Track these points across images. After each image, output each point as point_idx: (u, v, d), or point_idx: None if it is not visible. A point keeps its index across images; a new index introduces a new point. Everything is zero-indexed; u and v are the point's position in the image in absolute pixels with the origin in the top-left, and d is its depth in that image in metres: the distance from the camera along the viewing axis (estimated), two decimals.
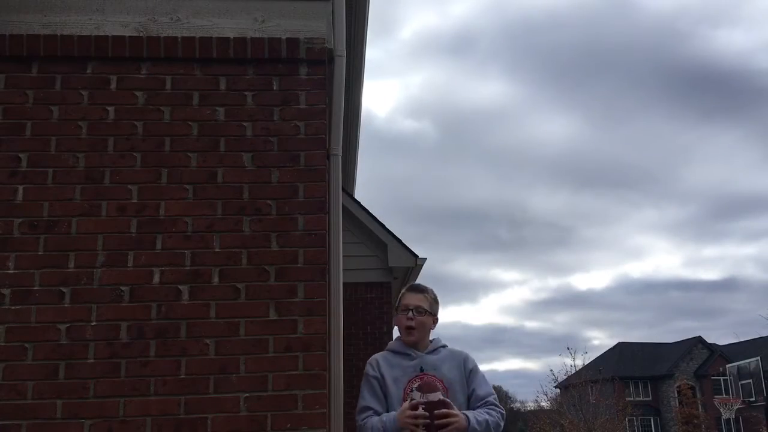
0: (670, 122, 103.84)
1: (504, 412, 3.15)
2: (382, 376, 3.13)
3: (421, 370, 3.12)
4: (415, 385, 3.05)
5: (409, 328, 3.20)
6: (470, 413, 3.02)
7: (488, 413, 3.06)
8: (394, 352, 3.24)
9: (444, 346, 3.30)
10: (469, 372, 3.21)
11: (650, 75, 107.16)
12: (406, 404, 2.96)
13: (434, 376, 3.11)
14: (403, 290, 3.36)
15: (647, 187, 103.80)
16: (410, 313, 3.21)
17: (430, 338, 3.31)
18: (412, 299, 3.26)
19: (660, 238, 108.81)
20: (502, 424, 3.09)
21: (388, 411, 3.06)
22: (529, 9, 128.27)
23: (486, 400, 3.13)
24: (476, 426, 2.97)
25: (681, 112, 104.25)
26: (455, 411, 2.95)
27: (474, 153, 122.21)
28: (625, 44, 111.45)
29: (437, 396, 2.97)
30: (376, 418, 3.02)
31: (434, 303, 3.32)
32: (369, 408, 3.10)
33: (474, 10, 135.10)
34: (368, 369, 3.19)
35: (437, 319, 3.31)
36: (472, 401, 3.14)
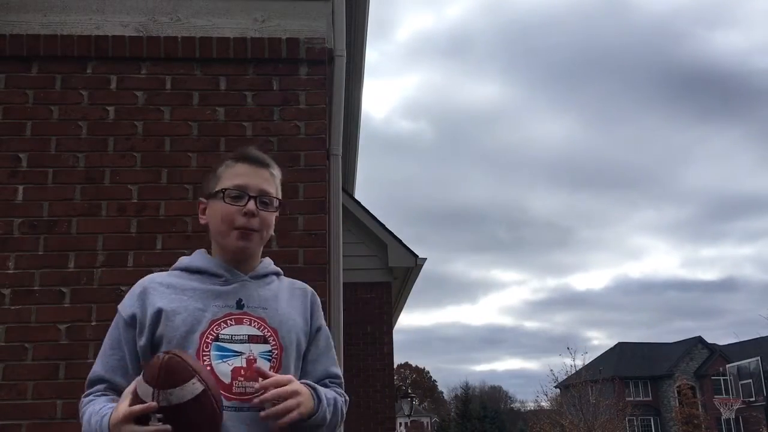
0: (667, 123, 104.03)
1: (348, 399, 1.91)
2: (154, 313, 1.70)
3: (239, 305, 1.73)
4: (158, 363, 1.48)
5: (248, 230, 1.78)
6: (316, 386, 1.73)
7: (336, 392, 1.83)
8: (191, 270, 1.83)
9: (278, 274, 1.93)
10: (317, 328, 1.87)
11: (647, 76, 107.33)
12: (125, 407, 1.51)
13: (261, 320, 1.72)
14: (228, 161, 1.84)
15: (645, 187, 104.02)
16: (251, 203, 1.77)
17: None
18: (254, 177, 1.81)
19: (658, 239, 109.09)
20: (344, 414, 1.85)
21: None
22: (525, 10, 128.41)
23: (338, 381, 1.89)
24: (326, 407, 1.72)
25: (678, 112, 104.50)
26: (290, 387, 1.61)
27: (472, 154, 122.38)
28: (622, 45, 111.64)
29: (194, 392, 1.47)
30: (95, 405, 1.64)
31: (280, 187, 1.93)
32: (102, 380, 1.70)
33: (469, 11, 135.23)
34: (123, 304, 1.78)
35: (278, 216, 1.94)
36: (312, 376, 1.80)
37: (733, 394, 34.72)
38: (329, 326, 3.57)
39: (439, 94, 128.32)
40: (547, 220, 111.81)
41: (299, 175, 3.53)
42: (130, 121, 3.54)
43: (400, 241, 9.67)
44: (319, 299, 1.94)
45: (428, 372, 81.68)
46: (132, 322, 1.71)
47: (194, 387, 1.47)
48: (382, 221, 9.71)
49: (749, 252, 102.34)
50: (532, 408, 48.62)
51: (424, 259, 9.74)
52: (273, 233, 1.93)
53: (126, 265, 3.34)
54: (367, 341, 9.46)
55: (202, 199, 1.84)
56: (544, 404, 39.89)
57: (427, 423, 68.75)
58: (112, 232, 3.38)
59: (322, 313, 1.93)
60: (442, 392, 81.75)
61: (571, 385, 33.08)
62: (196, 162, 3.51)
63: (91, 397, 1.68)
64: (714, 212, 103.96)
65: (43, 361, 3.19)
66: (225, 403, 1.57)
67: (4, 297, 3.25)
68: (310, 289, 1.94)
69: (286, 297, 1.84)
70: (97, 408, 1.62)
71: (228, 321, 1.70)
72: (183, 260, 1.88)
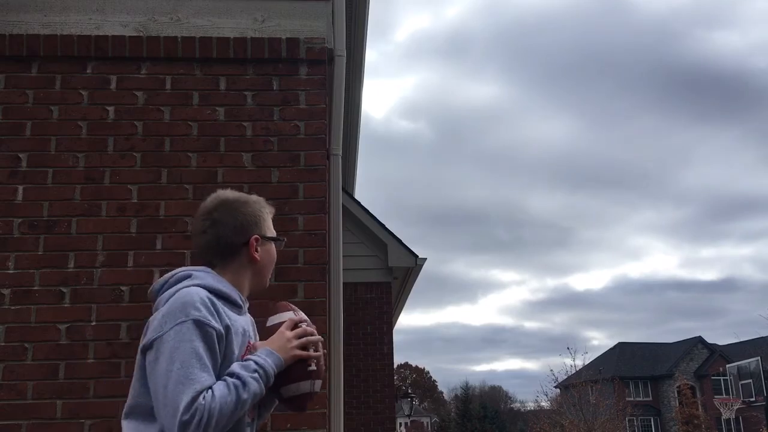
0: (666, 123, 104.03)
1: None
2: (227, 329, 1.78)
3: (248, 335, 1.92)
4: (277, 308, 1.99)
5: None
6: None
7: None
8: (219, 294, 1.84)
9: None
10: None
11: (646, 76, 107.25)
12: (286, 329, 1.88)
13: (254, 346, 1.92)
14: (267, 206, 2.05)
15: (645, 187, 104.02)
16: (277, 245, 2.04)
17: None
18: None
19: (658, 239, 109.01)
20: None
21: None
22: (523, 11, 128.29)
23: None
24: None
25: (677, 113, 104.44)
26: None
27: (471, 154, 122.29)
28: (620, 46, 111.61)
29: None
30: (226, 382, 1.69)
31: None
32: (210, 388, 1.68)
33: (467, 12, 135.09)
34: (201, 313, 1.72)
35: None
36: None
37: (733, 394, 34.72)
38: (329, 326, 3.58)
39: (438, 95, 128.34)
40: (547, 220, 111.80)
41: (299, 175, 3.53)
42: (130, 121, 3.55)
43: (400, 241, 9.67)
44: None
45: (428, 372, 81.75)
46: (220, 334, 1.75)
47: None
48: (382, 221, 9.71)
49: (749, 252, 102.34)
50: (532, 408, 48.63)
51: (424, 259, 9.74)
52: None
53: (126, 265, 3.34)
54: (367, 341, 9.46)
55: (258, 237, 1.94)
56: (544, 404, 39.90)
57: (427, 423, 68.78)
58: (112, 232, 3.38)
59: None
60: (442, 392, 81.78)
61: (571, 386, 33.09)
62: (196, 162, 3.51)
63: (206, 393, 1.64)
64: (713, 212, 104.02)
65: (43, 361, 3.19)
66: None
67: (4, 297, 3.25)
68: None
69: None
70: (233, 377, 1.69)
71: (250, 349, 1.87)
72: (207, 280, 1.85)
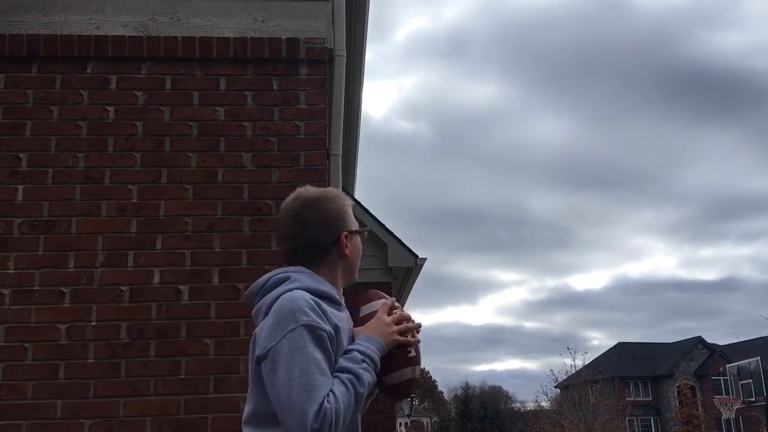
0: (665, 123, 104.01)
1: None
2: (336, 329, 1.77)
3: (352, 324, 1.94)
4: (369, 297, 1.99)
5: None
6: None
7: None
8: (320, 295, 1.81)
9: None
10: None
11: (645, 77, 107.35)
12: (383, 314, 1.89)
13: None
14: (348, 201, 2.01)
15: (644, 188, 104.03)
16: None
17: None
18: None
19: (657, 239, 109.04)
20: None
21: None
22: (523, 11, 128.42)
23: None
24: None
25: (676, 113, 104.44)
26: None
27: (470, 154, 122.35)
28: (619, 46, 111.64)
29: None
30: (339, 379, 1.69)
31: None
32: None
33: (466, 12, 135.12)
34: (311, 317, 1.70)
35: None
36: None
37: (733, 394, 34.74)
38: None
39: (438, 95, 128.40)
40: (547, 221, 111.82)
41: (299, 175, 3.53)
42: (130, 121, 3.54)
43: (400, 241, 9.67)
44: None
45: (428, 372, 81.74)
46: (331, 336, 1.74)
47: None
48: (382, 221, 9.71)
49: (748, 252, 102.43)
50: (532, 408, 48.64)
51: (424, 259, 9.73)
52: None
53: (126, 265, 3.34)
54: None
55: (347, 233, 1.93)
56: (544, 404, 39.89)
57: (427, 423, 68.77)
58: (112, 232, 3.38)
59: None
60: (442, 392, 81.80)
61: (571, 385, 33.10)
62: (196, 162, 3.51)
63: (329, 397, 1.64)
64: (713, 212, 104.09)
65: (43, 361, 3.19)
66: None
67: (4, 297, 3.25)
68: None
69: None
70: (345, 373, 1.69)
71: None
72: (307, 282, 1.84)
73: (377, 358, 1.77)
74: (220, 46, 3.66)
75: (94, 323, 3.25)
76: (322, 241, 1.88)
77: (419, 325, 1.95)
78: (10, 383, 3.15)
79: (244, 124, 3.59)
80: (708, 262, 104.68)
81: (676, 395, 47.34)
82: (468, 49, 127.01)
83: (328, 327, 1.71)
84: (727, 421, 41.85)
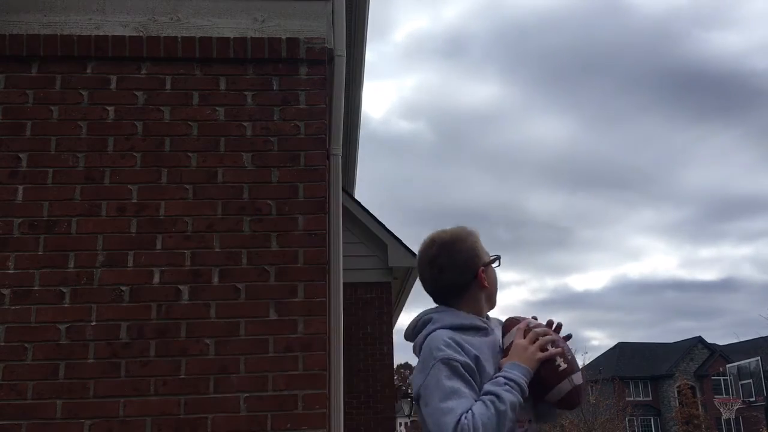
0: (665, 123, 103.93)
1: None
2: (476, 359, 1.92)
3: (501, 350, 2.05)
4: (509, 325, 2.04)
5: None
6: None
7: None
8: (465, 329, 1.99)
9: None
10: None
11: (644, 77, 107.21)
12: (518, 339, 1.96)
13: None
14: (473, 230, 2.15)
15: (644, 188, 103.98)
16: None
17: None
18: None
19: (657, 239, 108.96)
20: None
21: None
22: (521, 12, 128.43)
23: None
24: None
25: (676, 113, 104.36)
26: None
27: (470, 154, 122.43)
28: (619, 46, 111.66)
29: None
30: (496, 389, 1.84)
31: None
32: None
33: (466, 13, 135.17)
34: (445, 352, 1.88)
35: None
36: None
37: (733, 394, 34.72)
38: (329, 326, 3.58)
39: (438, 95, 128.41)
40: (547, 221, 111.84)
41: (299, 175, 3.53)
42: (130, 121, 3.55)
43: (400, 241, 9.67)
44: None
45: None
46: (467, 365, 1.89)
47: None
48: (382, 221, 9.71)
49: (748, 252, 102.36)
50: None
51: None
52: None
53: (126, 265, 3.34)
54: (367, 341, 9.46)
55: (483, 268, 2.07)
56: None
57: None
58: (112, 232, 3.38)
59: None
60: None
61: None
62: (196, 162, 3.51)
63: (467, 414, 1.79)
64: (713, 212, 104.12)
65: (43, 361, 3.19)
66: None
67: (4, 297, 3.25)
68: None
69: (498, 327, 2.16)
70: (487, 395, 1.83)
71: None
72: (447, 320, 2.02)
73: (521, 379, 1.87)
74: (220, 46, 3.66)
75: (94, 323, 3.25)
76: (460, 282, 2.05)
77: (558, 335, 2.00)
78: (10, 383, 3.15)
79: (244, 124, 3.59)
80: (708, 262, 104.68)
81: (676, 395, 47.35)
82: (468, 50, 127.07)
83: (463, 358, 1.88)
84: (727, 421, 41.84)
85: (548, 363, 1.92)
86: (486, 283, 2.06)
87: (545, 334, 1.97)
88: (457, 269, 2.04)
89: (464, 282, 2.04)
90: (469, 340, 1.93)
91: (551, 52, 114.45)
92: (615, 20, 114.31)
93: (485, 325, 2.03)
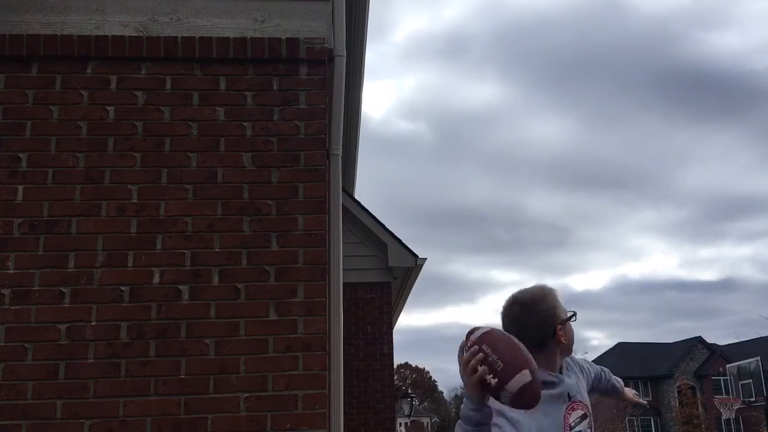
0: (665, 124, 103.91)
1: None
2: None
3: (569, 398, 2.27)
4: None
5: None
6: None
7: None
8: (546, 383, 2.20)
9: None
10: (593, 374, 2.68)
11: (644, 77, 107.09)
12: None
13: (580, 402, 2.31)
14: (551, 289, 2.37)
15: (644, 188, 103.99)
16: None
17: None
18: None
19: (657, 239, 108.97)
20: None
21: None
22: (521, 12, 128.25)
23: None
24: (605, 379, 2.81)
25: (676, 113, 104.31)
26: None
27: (470, 154, 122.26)
28: (618, 47, 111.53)
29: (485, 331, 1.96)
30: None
31: None
32: None
33: (465, 13, 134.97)
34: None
35: None
36: (601, 382, 2.78)
37: (733, 394, 34.74)
38: (329, 326, 3.58)
39: (437, 95, 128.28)
40: (546, 221, 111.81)
41: (299, 175, 3.53)
42: (130, 121, 3.55)
43: (400, 241, 9.67)
44: (580, 358, 2.57)
45: (428, 372, 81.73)
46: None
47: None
48: (382, 221, 9.71)
49: (748, 252, 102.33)
50: None
51: (424, 259, 9.73)
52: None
53: (126, 265, 3.34)
54: (367, 341, 9.46)
55: (560, 325, 2.28)
56: None
57: (427, 423, 68.78)
58: (112, 232, 3.38)
59: (589, 363, 2.66)
60: (442, 392, 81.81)
61: None
62: (196, 162, 3.52)
63: None
64: (712, 213, 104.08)
65: (43, 361, 3.19)
66: None
67: (4, 297, 3.25)
68: (576, 357, 2.53)
69: (575, 371, 2.42)
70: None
71: (569, 411, 2.24)
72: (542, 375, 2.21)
73: (465, 407, 1.96)
74: (220, 46, 3.66)
75: (94, 323, 3.25)
76: (539, 338, 2.23)
77: (472, 349, 1.92)
78: (10, 383, 3.15)
79: (244, 124, 3.59)
80: (708, 262, 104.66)
81: (676, 395, 47.33)
82: (467, 50, 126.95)
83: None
84: (727, 421, 41.84)
85: (483, 383, 1.88)
86: (563, 339, 2.27)
87: (470, 354, 1.90)
88: (538, 327, 2.23)
89: (543, 338, 2.24)
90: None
91: (551, 53, 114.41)
92: (614, 20, 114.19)
93: (553, 378, 2.24)
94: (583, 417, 2.29)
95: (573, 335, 2.34)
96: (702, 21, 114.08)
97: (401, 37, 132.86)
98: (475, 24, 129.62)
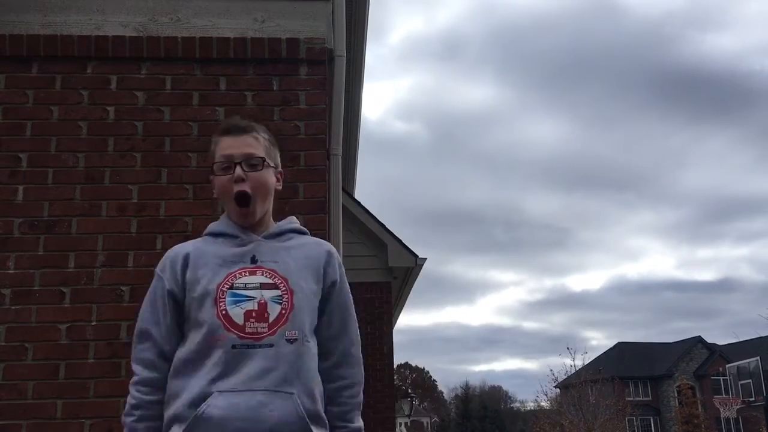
0: (662, 124, 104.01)
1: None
2: (183, 278, 1.93)
3: (253, 260, 1.93)
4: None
5: (243, 195, 1.95)
6: None
7: (357, 405, 2.15)
8: (215, 234, 2.03)
9: (301, 232, 2.15)
10: (332, 282, 2.04)
11: (640, 78, 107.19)
12: None
13: (272, 270, 1.91)
14: (214, 137, 2.07)
15: (642, 188, 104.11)
16: (237, 169, 1.94)
17: (275, 214, 2.15)
18: (238, 144, 1.99)
19: (655, 240, 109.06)
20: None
21: (186, 328, 1.92)
22: (518, 13, 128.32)
23: (349, 357, 2.13)
24: None
25: (673, 114, 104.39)
26: None
27: (467, 155, 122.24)
28: (614, 48, 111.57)
29: None
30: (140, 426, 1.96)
31: (271, 146, 2.08)
32: (148, 336, 2.05)
33: (461, 15, 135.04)
34: (158, 268, 1.99)
35: (281, 173, 2.14)
36: (331, 357, 2.04)
37: (733, 394, 34.76)
38: None
39: (433, 97, 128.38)
40: (544, 221, 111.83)
41: (299, 175, 3.53)
42: (130, 121, 3.55)
43: (399, 241, 9.66)
44: (337, 257, 2.11)
45: (428, 372, 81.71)
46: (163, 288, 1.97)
47: None
48: (382, 221, 9.71)
49: (746, 252, 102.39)
50: (532, 408, 48.62)
51: (424, 259, 9.73)
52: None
53: (126, 265, 3.34)
54: (367, 341, 9.45)
55: (210, 177, 2.01)
56: (544, 404, 39.88)
57: (427, 423, 68.75)
58: (112, 232, 3.38)
59: (342, 270, 2.10)
60: (442, 392, 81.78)
61: (570, 385, 33.10)
62: (196, 162, 3.51)
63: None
64: (710, 213, 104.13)
65: (43, 361, 3.19)
66: (238, 341, 1.79)
67: (4, 297, 3.25)
68: (328, 245, 2.13)
69: (302, 251, 2.04)
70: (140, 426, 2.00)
71: (242, 273, 1.89)
72: (210, 226, 2.08)
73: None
74: (220, 46, 3.66)
75: (94, 323, 3.25)
76: None
77: None
78: (10, 383, 3.15)
79: None
80: (706, 262, 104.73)
81: (675, 395, 47.34)
82: (463, 51, 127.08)
83: (161, 273, 2.03)
84: (727, 420, 41.85)
85: None
86: (215, 195, 2.08)
87: None
88: None
89: None
90: (204, 249, 2.05)
91: (547, 54, 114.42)
92: (610, 22, 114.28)
93: (233, 233, 2.03)
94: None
95: (220, 190, 2.01)
96: (698, 22, 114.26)
97: (397, 39, 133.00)
98: (470, 26, 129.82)
